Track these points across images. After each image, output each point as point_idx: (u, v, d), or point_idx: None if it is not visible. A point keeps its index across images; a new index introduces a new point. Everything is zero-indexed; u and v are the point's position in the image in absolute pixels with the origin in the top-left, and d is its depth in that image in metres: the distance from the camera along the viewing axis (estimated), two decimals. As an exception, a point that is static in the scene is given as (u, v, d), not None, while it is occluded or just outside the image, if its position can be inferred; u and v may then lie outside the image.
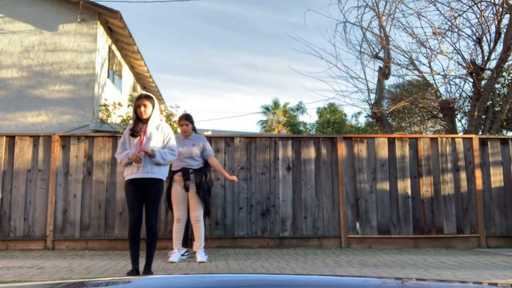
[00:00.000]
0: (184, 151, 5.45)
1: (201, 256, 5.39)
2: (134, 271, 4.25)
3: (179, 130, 5.78)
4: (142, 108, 4.36)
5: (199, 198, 5.41)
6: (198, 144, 5.51)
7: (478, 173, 7.42)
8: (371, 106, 12.52)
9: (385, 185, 7.31)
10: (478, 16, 10.11)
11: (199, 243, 5.46)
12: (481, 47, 10.21)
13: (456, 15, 10.34)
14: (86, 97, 10.83)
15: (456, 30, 10.49)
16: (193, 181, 5.40)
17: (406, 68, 11.64)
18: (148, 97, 4.44)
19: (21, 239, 6.79)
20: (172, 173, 5.51)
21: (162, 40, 66.91)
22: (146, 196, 4.33)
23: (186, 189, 5.39)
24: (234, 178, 5.83)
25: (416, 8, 13.75)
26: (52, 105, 10.76)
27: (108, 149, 7.08)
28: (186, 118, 5.58)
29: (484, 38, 10.17)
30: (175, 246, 5.43)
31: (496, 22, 9.97)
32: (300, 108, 32.02)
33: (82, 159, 7.04)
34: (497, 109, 12.05)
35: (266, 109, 35.46)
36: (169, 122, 9.51)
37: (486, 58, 10.18)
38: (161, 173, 4.37)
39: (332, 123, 26.93)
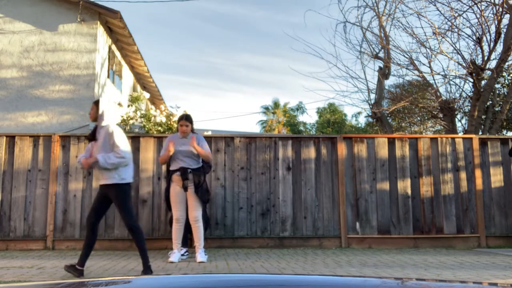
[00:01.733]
0: (182, 150, 5.43)
1: (201, 256, 5.38)
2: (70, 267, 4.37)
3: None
4: (89, 112, 4.66)
5: (198, 198, 5.40)
6: (195, 142, 5.49)
7: (478, 173, 7.42)
8: (371, 106, 12.52)
9: (385, 185, 7.31)
10: (478, 16, 10.12)
11: (198, 243, 5.45)
12: (481, 47, 10.21)
13: (456, 15, 10.35)
14: (86, 97, 10.83)
15: (456, 30, 10.49)
16: (191, 181, 5.39)
17: (406, 68, 11.65)
18: (95, 102, 4.65)
19: (21, 239, 6.79)
20: (170, 173, 5.51)
21: (162, 40, 66.94)
22: (112, 201, 4.49)
23: (185, 188, 5.38)
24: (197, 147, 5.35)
25: (416, 8, 13.78)
26: (52, 105, 10.76)
27: (108, 149, 7.08)
28: (187, 119, 5.51)
29: (484, 38, 10.17)
30: (175, 246, 5.42)
31: (496, 22, 9.97)
32: (300, 108, 32.02)
33: (82, 159, 7.03)
34: (497, 109, 12.05)
35: (266, 109, 35.49)
36: (169, 122, 9.51)
37: (486, 58, 10.18)
38: (120, 177, 4.40)
39: (332, 123, 26.93)
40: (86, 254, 4.40)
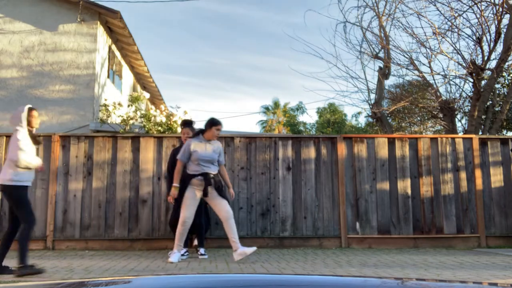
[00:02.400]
0: (205, 155, 5.36)
1: (245, 248, 5.24)
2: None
3: (178, 130, 5.72)
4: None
5: (223, 197, 5.38)
6: (217, 150, 5.48)
7: (478, 173, 7.42)
8: (371, 106, 12.52)
9: (385, 185, 7.31)
10: (478, 16, 10.12)
11: (235, 239, 5.27)
12: (481, 47, 10.21)
13: (456, 15, 10.35)
14: (86, 97, 10.83)
15: (456, 30, 10.50)
16: (213, 186, 5.36)
17: (406, 68, 11.66)
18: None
19: (21, 239, 6.77)
20: (189, 177, 5.39)
21: (162, 40, 66.95)
22: None
23: (205, 194, 5.32)
24: (233, 193, 5.72)
25: (416, 8, 13.77)
26: (52, 105, 10.76)
27: (108, 149, 7.08)
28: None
29: (484, 38, 10.17)
30: (175, 247, 5.39)
31: (496, 22, 9.98)
32: (300, 108, 32.02)
33: (82, 159, 7.04)
34: (497, 109, 12.05)
35: (266, 109, 35.48)
36: (169, 122, 9.51)
37: (486, 58, 10.19)
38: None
39: (332, 123, 26.94)
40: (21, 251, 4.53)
